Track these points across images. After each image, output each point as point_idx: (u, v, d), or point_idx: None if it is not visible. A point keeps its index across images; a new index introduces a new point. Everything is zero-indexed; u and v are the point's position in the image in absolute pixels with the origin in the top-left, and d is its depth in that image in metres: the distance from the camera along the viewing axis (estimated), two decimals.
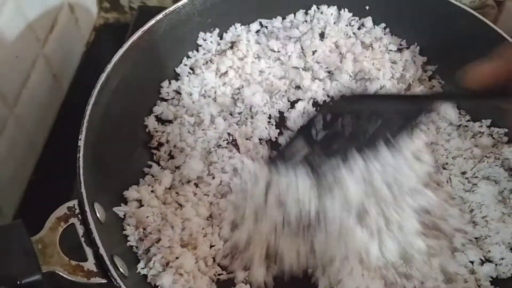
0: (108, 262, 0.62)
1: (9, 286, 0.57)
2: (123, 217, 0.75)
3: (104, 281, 0.62)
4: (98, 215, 0.67)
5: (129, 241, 0.73)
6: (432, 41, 0.95)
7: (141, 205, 0.77)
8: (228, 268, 0.75)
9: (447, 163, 0.86)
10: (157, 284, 0.70)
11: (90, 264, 0.63)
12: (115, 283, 0.62)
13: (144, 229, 0.74)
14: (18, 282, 0.57)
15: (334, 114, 0.73)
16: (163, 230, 0.74)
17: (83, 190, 0.66)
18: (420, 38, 0.97)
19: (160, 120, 0.88)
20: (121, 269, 0.64)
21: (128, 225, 0.74)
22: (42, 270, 0.59)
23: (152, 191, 0.79)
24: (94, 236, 0.63)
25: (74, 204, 0.66)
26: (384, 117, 0.71)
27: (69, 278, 0.61)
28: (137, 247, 0.73)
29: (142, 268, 0.71)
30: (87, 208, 0.65)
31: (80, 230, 0.64)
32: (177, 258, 0.72)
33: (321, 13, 0.98)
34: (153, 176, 0.82)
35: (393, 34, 0.99)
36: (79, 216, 0.65)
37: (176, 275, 0.70)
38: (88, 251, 0.64)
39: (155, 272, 0.70)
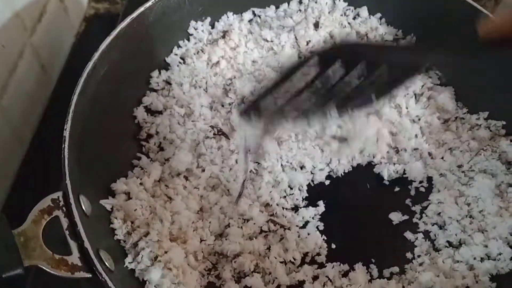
0: (93, 256, 0.60)
1: None
2: (110, 210, 0.73)
3: (89, 275, 0.61)
4: (83, 207, 0.65)
5: (116, 234, 0.71)
6: (429, 32, 0.92)
7: (129, 198, 0.75)
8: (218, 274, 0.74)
9: (443, 158, 0.85)
10: (145, 279, 0.68)
11: (74, 258, 0.61)
12: (100, 277, 0.60)
13: (132, 222, 0.72)
14: None
15: (326, 60, 0.64)
16: (151, 224, 0.72)
17: (67, 181, 0.64)
18: (416, 29, 0.95)
19: (149, 111, 0.86)
20: (106, 263, 0.63)
21: (116, 218, 0.72)
22: (24, 264, 0.58)
23: (140, 184, 0.77)
24: (79, 229, 0.61)
25: (58, 196, 0.64)
26: (376, 72, 0.64)
27: (52, 272, 0.59)
28: (124, 241, 0.71)
29: (129, 263, 0.69)
30: (72, 201, 0.63)
31: (65, 223, 0.63)
32: (166, 252, 0.70)
33: (316, 2, 0.96)
34: (142, 168, 0.80)
35: (389, 24, 0.97)
36: (64, 208, 0.63)
37: (165, 270, 0.68)
38: (73, 245, 0.62)
39: (143, 267, 0.69)
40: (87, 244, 0.61)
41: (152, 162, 0.81)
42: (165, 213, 0.74)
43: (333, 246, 0.78)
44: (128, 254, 0.70)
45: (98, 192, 0.72)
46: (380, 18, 0.97)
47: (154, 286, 0.68)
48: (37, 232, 0.61)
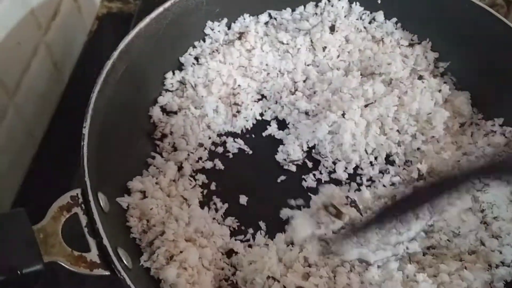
0: (112, 254, 0.60)
1: (9, 275, 0.55)
2: (126, 208, 0.72)
3: (107, 273, 0.60)
4: (102, 205, 0.65)
5: (132, 233, 0.71)
6: (444, 37, 0.93)
7: (145, 197, 0.75)
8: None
9: (459, 160, 0.85)
10: (160, 278, 0.68)
11: (93, 255, 0.61)
12: (119, 275, 0.60)
13: (147, 221, 0.72)
14: (19, 272, 0.55)
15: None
16: (167, 223, 0.72)
17: (87, 179, 0.64)
18: (432, 34, 0.95)
19: (165, 110, 0.86)
20: (124, 261, 0.63)
21: (131, 216, 0.72)
22: (44, 260, 0.57)
23: (156, 183, 0.77)
24: (97, 226, 0.61)
25: (77, 193, 0.63)
26: None
27: (71, 269, 0.59)
28: (140, 239, 0.71)
29: (145, 261, 0.69)
30: (91, 198, 0.62)
31: (83, 220, 0.62)
32: (181, 252, 0.70)
33: (332, 5, 0.96)
34: (157, 168, 0.80)
35: (405, 29, 0.97)
36: (83, 205, 0.63)
37: (180, 269, 0.68)
38: (91, 242, 0.62)
39: (159, 266, 0.68)
40: (105, 242, 0.61)
41: (166, 161, 0.81)
42: (182, 213, 0.74)
43: None
44: (144, 253, 0.70)
45: (114, 190, 0.72)
46: (396, 23, 0.97)
47: (169, 285, 0.67)
48: (57, 228, 0.60)
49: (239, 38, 0.91)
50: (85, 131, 0.67)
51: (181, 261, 0.69)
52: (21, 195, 0.87)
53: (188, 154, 0.83)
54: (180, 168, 0.81)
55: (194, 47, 0.92)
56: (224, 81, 0.89)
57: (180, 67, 0.90)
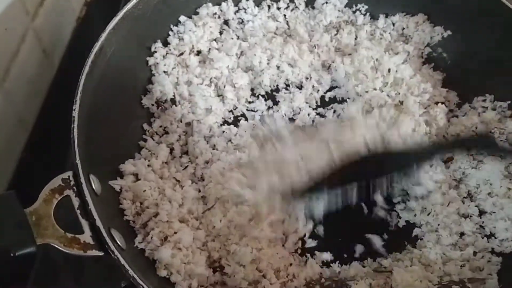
0: (105, 234, 0.60)
1: (2, 258, 0.55)
2: (119, 191, 0.72)
3: (101, 253, 0.60)
4: (94, 187, 0.65)
5: (126, 215, 0.70)
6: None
7: (138, 179, 0.74)
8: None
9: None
10: (155, 258, 0.68)
11: (86, 236, 0.61)
12: (112, 255, 0.59)
13: (141, 203, 0.72)
14: (12, 254, 0.55)
15: None
16: (160, 205, 0.72)
17: (78, 161, 0.63)
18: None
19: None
20: (118, 242, 0.62)
21: (125, 199, 0.71)
22: (37, 242, 0.57)
23: (148, 165, 0.77)
24: (90, 208, 0.61)
25: (69, 176, 0.63)
26: None
27: (65, 250, 0.59)
28: (134, 221, 0.71)
29: (139, 242, 0.69)
30: (82, 180, 0.62)
31: (76, 202, 0.62)
32: (175, 232, 0.70)
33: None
34: (149, 150, 0.80)
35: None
36: (74, 188, 0.63)
37: (175, 250, 0.69)
38: (84, 224, 0.61)
39: (153, 246, 0.68)
40: (98, 223, 0.60)
41: (158, 144, 0.81)
42: (175, 194, 0.74)
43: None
44: (138, 234, 0.70)
45: (107, 173, 0.72)
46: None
47: (164, 265, 0.67)
48: (49, 211, 0.60)
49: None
50: (75, 113, 0.66)
51: (175, 242, 0.69)
52: (14, 181, 0.87)
53: (180, 136, 0.83)
54: (172, 150, 0.81)
55: (180, 22, 0.92)
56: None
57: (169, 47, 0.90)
